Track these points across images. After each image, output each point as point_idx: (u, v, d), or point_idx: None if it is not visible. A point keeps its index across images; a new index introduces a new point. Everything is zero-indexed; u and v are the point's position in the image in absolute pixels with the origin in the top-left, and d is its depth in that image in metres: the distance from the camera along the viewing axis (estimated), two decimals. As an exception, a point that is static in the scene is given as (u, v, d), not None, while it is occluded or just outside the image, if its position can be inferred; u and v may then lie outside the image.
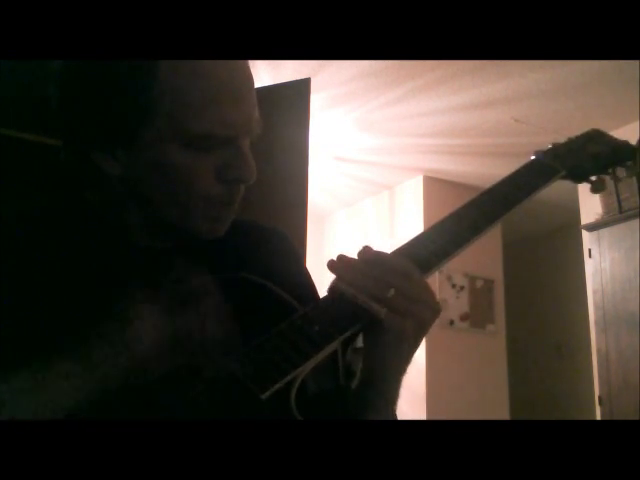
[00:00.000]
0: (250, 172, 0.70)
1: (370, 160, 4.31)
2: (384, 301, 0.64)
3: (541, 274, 5.41)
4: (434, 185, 4.53)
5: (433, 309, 0.67)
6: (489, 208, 0.77)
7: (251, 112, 0.70)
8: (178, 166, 0.67)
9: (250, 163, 0.70)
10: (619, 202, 3.15)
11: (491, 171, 4.18)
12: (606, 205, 3.24)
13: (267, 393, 0.58)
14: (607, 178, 0.90)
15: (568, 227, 4.57)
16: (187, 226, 0.71)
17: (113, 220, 0.74)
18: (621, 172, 0.91)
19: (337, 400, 0.66)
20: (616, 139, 0.92)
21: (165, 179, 0.68)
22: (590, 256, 3.32)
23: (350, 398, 0.67)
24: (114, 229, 0.74)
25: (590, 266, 3.35)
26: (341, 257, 0.68)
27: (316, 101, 3.20)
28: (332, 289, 0.67)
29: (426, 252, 0.71)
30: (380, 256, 0.68)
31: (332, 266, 0.68)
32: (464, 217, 0.76)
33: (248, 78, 0.70)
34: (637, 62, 2.82)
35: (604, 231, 3.25)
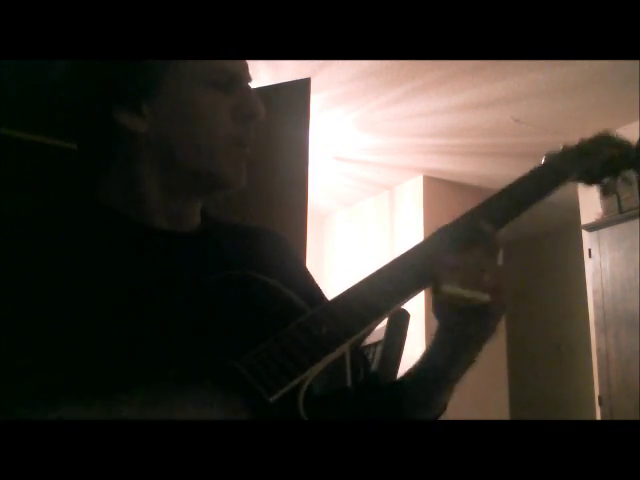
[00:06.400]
0: (261, 107, 0.76)
1: (370, 160, 4.31)
2: (487, 289, 0.69)
3: (541, 274, 5.41)
4: (434, 185, 4.53)
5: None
6: (502, 210, 0.78)
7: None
8: (202, 107, 0.72)
9: (258, 100, 0.76)
10: (619, 202, 3.15)
11: (491, 171, 4.17)
12: (606, 205, 3.24)
13: (275, 396, 0.58)
14: (618, 181, 0.90)
15: (568, 227, 4.57)
16: (214, 173, 0.75)
17: (130, 210, 0.74)
18: (631, 175, 0.91)
19: (344, 403, 0.66)
20: (628, 142, 0.91)
21: (190, 125, 0.72)
22: (590, 256, 3.32)
23: (354, 401, 0.67)
24: (130, 223, 0.74)
25: (590, 266, 3.35)
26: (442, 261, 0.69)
27: (316, 101, 3.20)
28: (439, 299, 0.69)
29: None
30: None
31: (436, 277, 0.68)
32: (474, 220, 0.76)
33: None
34: (637, 62, 2.82)
35: (604, 231, 3.24)
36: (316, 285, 0.87)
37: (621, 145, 0.90)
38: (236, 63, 0.75)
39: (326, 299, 0.83)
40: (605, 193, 0.90)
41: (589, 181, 0.89)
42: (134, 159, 0.74)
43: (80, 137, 0.78)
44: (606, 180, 0.89)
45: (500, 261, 0.72)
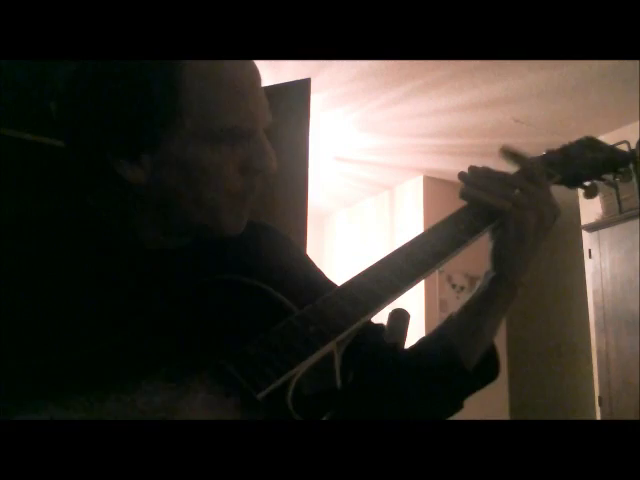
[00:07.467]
0: (272, 161, 0.72)
1: (370, 160, 4.31)
2: (509, 199, 0.76)
3: (541, 274, 5.41)
4: (434, 185, 4.53)
5: (553, 209, 0.78)
6: (485, 211, 0.78)
7: (265, 103, 0.72)
8: (206, 165, 0.68)
9: (271, 152, 0.72)
10: (619, 202, 3.15)
11: (491, 171, 4.16)
12: (606, 205, 3.24)
13: (263, 393, 0.58)
14: (600, 184, 0.92)
15: (568, 227, 4.57)
16: (213, 224, 0.72)
17: (119, 224, 0.73)
18: (614, 178, 0.93)
19: (333, 402, 0.66)
20: (610, 146, 0.94)
21: (193, 180, 0.68)
22: (590, 256, 3.32)
23: (345, 400, 0.67)
24: (119, 233, 0.73)
25: (590, 266, 3.35)
26: (472, 167, 0.79)
27: (316, 101, 3.20)
28: (461, 194, 0.79)
29: (424, 254, 0.73)
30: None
31: (461, 175, 0.79)
32: (461, 220, 0.77)
33: (256, 70, 0.72)
34: (637, 62, 2.82)
35: (604, 231, 3.24)
36: (319, 271, 0.87)
37: (604, 149, 0.92)
38: (254, 117, 0.70)
39: (331, 282, 0.84)
40: (588, 195, 0.92)
41: (572, 184, 0.91)
42: (129, 203, 0.72)
43: (75, 170, 0.75)
44: (589, 183, 0.91)
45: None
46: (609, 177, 0.92)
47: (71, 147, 0.72)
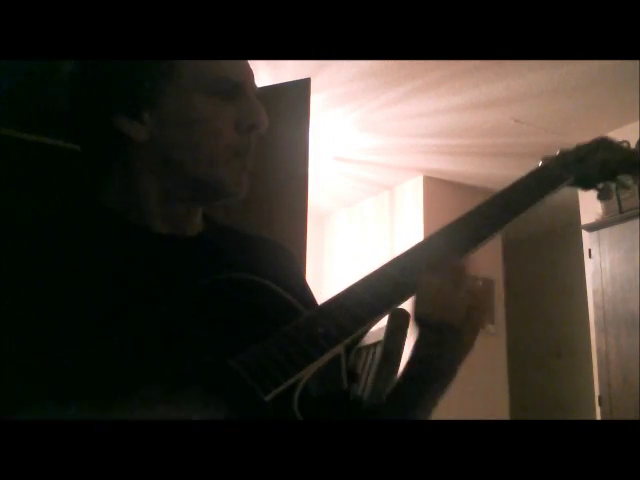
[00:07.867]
0: (263, 118, 0.75)
1: (370, 160, 4.31)
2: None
3: (541, 274, 5.40)
4: (434, 185, 4.52)
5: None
6: (496, 214, 0.77)
7: (251, 69, 0.77)
8: (203, 116, 0.72)
9: (262, 111, 0.75)
10: (619, 202, 3.15)
11: (491, 171, 4.17)
12: (606, 205, 3.24)
13: (270, 395, 0.58)
14: (614, 186, 0.90)
15: (568, 227, 4.57)
16: (214, 182, 0.75)
17: (131, 214, 0.75)
18: (627, 179, 0.90)
19: (340, 404, 0.66)
20: (624, 148, 0.91)
21: (191, 134, 0.72)
22: (590, 256, 3.32)
23: (353, 402, 0.67)
24: (132, 227, 0.74)
25: (590, 266, 3.35)
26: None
27: (316, 101, 3.19)
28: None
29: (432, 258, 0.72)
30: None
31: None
32: (470, 223, 0.76)
33: None
34: (637, 62, 2.82)
35: (604, 231, 3.24)
36: (314, 298, 0.87)
37: (618, 149, 0.90)
38: (241, 72, 0.75)
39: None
40: (602, 197, 0.90)
41: (586, 185, 0.89)
42: (134, 164, 0.74)
43: (81, 142, 0.78)
44: (603, 184, 0.89)
45: (477, 283, 0.73)
46: (624, 179, 0.89)
47: (82, 130, 0.76)
